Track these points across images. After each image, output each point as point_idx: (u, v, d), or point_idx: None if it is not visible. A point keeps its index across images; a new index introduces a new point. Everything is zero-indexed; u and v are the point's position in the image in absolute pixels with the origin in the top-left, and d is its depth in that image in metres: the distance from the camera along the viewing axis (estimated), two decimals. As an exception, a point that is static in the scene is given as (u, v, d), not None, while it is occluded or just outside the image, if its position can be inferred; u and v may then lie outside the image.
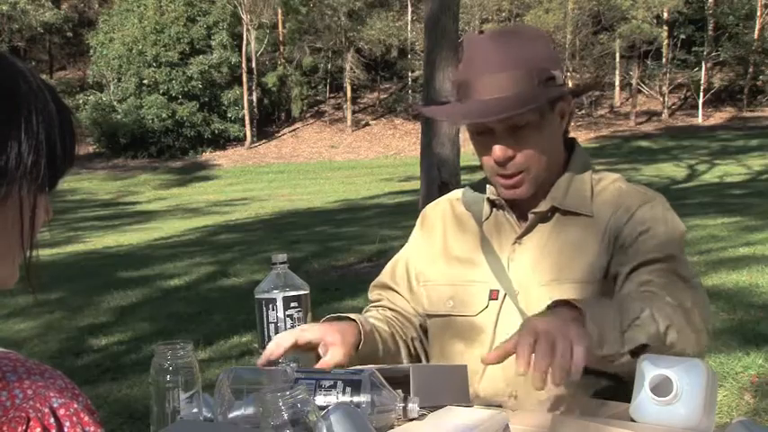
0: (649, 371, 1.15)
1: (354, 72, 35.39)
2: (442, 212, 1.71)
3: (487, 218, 1.61)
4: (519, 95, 1.43)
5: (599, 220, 1.53)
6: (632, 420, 1.18)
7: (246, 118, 32.96)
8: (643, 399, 1.15)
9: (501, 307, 1.55)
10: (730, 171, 21.23)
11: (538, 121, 1.47)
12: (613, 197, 1.55)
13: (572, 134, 1.64)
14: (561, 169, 1.57)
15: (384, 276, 1.75)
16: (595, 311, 1.27)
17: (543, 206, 1.54)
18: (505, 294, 1.54)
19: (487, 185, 1.63)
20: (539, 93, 1.44)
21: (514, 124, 1.46)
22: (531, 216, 1.55)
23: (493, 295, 1.56)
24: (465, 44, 1.51)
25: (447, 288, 1.61)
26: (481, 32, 1.53)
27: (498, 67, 1.44)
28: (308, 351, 1.47)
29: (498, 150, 1.48)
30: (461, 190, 1.71)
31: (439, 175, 8.50)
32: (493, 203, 1.61)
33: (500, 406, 1.48)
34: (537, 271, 1.52)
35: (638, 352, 1.32)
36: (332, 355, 1.45)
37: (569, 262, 1.51)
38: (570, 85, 1.58)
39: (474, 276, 1.58)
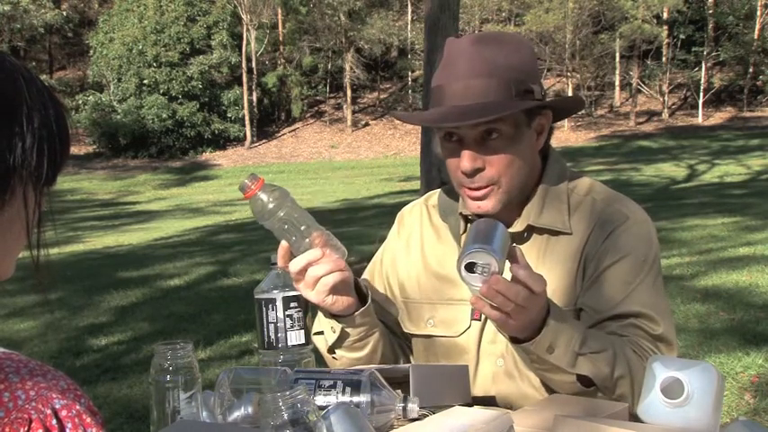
0: (660, 372, 1.16)
1: (354, 72, 35.38)
2: (419, 218, 1.65)
3: (464, 232, 1.54)
4: (493, 104, 1.37)
5: (577, 239, 1.49)
6: (639, 420, 1.19)
7: (246, 118, 32.95)
8: (653, 400, 1.16)
9: (483, 327, 1.52)
10: (730, 171, 21.22)
11: (511, 134, 1.41)
12: (588, 214, 1.50)
13: (571, 135, 1.61)
14: (536, 183, 1.51)
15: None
16: (559, 323, 1.33)
17: (519, 226, 1.49)
18: None
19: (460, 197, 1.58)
20: (514, 104, 1.39)
21: (486, 134, 1.40)
22: None
23: (475, 315, 1.52)
24: (445, 48, 1.47)
25: (427, 306, 1.58)
26: (464, 36, 1.48)
27: (474, 73, 1.39)
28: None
29: (466, 159, 1.41)
30: (437, 193, 1.65)
31: (439, 175, 8.49)
32: (467, 218, 1.55)
33: None
34: None
35: (587, 384, 1.36)
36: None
37: (550, 287, 1.46)
38: (562, 90, 1.54)
39: (454, 294, 1.53)
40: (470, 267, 1.24)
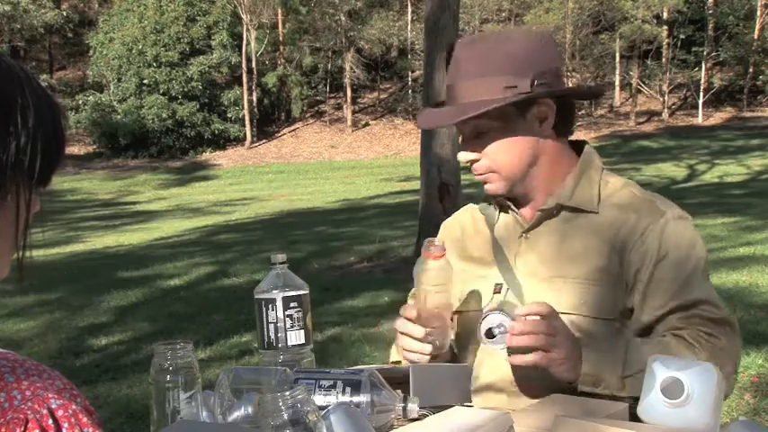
0: (660, 373, 1.16)
1: (354, 72, 35.37)
2: (460, 218, 1.77)
3: (498, 219, 1.66)
4: (482, 102, 1.48)
5: (605, 218, 1.55)
6: (639, 420, 1.19)
7: (246, 118, 32.94)
8: (653, 399, 1.16)
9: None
10: (730, 171, 21.24)
11: (503, 127, 1.52)
12: (625, 200, 1.57)
13: (573, 134, 1.65)
14: (569, 169, 1.59)
15: None
16: (593, 355, 1.42)
17: (549, 203, 1.57)
18: (508, 288, 1.57)
19: None
20: (492, 102, 1.48)
21: (477, 130, 1.53)
22: (537, 213, 1.58)
23: (496, 289, 1.59)
24: (454, 48, 1.57)
25: (459, 285, 1.64)
26: (465, 36, 1.60)
27: (468, 74, 1.52)
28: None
29: (460, 154, 1.58)
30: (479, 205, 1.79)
31: (439, 175, 8.51)
32: (500, 206, 1.65)
33: (501, 390, 1.49)
34: (541, 266, 1.55)
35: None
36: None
37: (573, 259, 1.53)
38: (570, 84, 1.59)
39: (483, 272, 1.62)
40: (489, 335, 1.36)
